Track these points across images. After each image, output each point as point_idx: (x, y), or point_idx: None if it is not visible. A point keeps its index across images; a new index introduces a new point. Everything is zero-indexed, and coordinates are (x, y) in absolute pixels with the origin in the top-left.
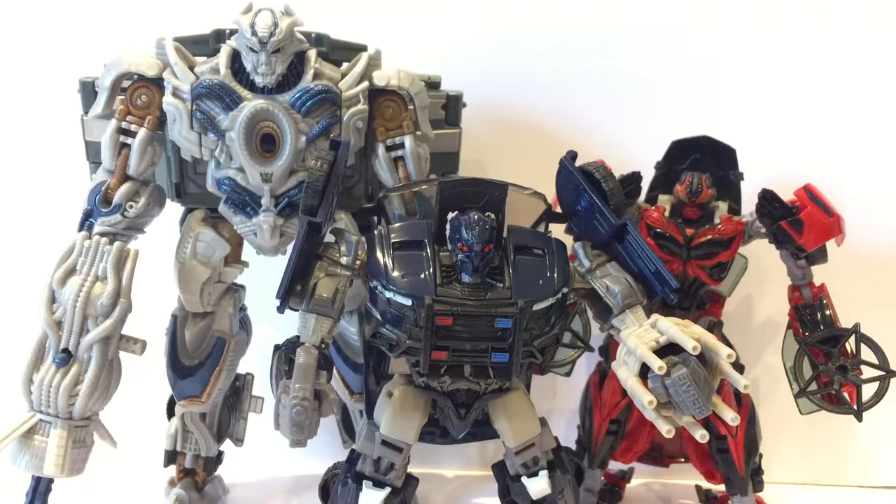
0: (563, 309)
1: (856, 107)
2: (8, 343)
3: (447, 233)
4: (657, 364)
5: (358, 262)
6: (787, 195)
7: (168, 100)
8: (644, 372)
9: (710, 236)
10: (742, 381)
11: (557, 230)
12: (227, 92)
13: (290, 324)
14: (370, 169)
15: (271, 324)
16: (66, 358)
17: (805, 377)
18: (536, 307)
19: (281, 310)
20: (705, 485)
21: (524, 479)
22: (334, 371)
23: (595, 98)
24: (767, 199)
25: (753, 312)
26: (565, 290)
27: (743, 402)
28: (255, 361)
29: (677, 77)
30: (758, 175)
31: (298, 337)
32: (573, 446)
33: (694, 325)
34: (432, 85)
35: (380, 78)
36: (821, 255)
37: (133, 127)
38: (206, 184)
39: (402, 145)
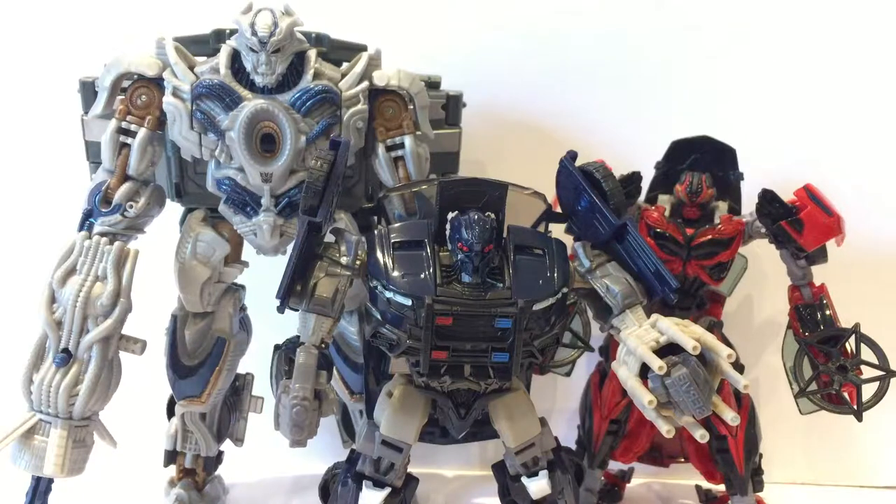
0: (563, 309)
1: (856, 107)
2: (8, 343)
3: (447, 233)
4: (657, 364)
5: (358, 262)
6: (787, 195)
7: (168, 100)
8: (644, 372)
9: (710, 236)
10: (742, 381)
11: (557, 230)
12: (227, 92)
13: (290, 324)
14: (370, 169)
15: (271, 324)
16: (66, 358)
17: (805, 377)
18: (536, 307)
19: (281, 310)
20: (705, 485)
21: (524, 479)
22: (334, 371)
23: (595, 98)
24: (767, 199)
25: (753, 312)
26: (565, 290)
27: (743, 402)
28: (255, 361)
29: (677, 77)
30: (758, 175)
31: (298, 337)
32: (573, 446)
33: (694, 325)
34: (432, 85)
35: (380, 78)
36: (821, 255)
37: (133, 127)
38: (206, 184)
39: (402, 145)
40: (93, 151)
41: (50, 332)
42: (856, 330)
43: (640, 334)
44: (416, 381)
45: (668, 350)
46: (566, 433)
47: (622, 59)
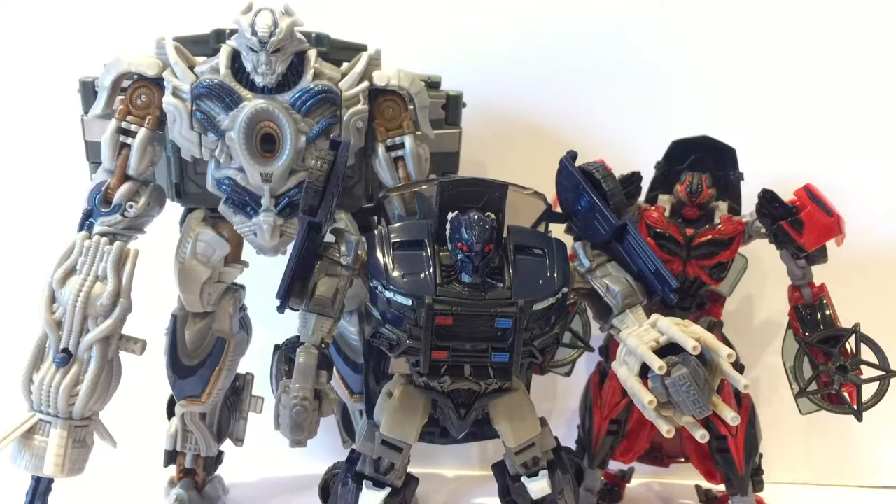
0: (563, 309)
1: (855, 107)
2: (8, 343)
3: (447, 233)
4: (657, 364)
5: (358, 262)
6: (787, 195)
7: (168, 99)
8: (644, 372)
9: (710, 236)
10: (742, 381)
11: (557, 230)
12: (228, 92)
13: (290, 324)
14: (370, 169)
15: (271, 324)
16: (66, 358)
17: (805, 377)
18: (536, 307)
19: (281, 310)
20: (705, 485)
21: (524, 479)
22: (334, 371)
23: (595, 98)
24: (767, 199)
25: (753, 312)
26: (565, 290)
27: (743, 402)
28: (255, 361)
29: (677, 77)
30: (758, 175)
31: (298, 337)
32: (573, 446)
33: (694, 324)
34: (432, 85)
35: (380, 78)
36: (821, 255)
37: (133, 127)
38: (206, 184)
39: (402, 145)
40: (93, 151)
41: (50, 332)
42: (856, 330)
43: (640, 334)
44: (416, 381)
45: (668, 350)
46: (566, 433)
47: (622, 59)
